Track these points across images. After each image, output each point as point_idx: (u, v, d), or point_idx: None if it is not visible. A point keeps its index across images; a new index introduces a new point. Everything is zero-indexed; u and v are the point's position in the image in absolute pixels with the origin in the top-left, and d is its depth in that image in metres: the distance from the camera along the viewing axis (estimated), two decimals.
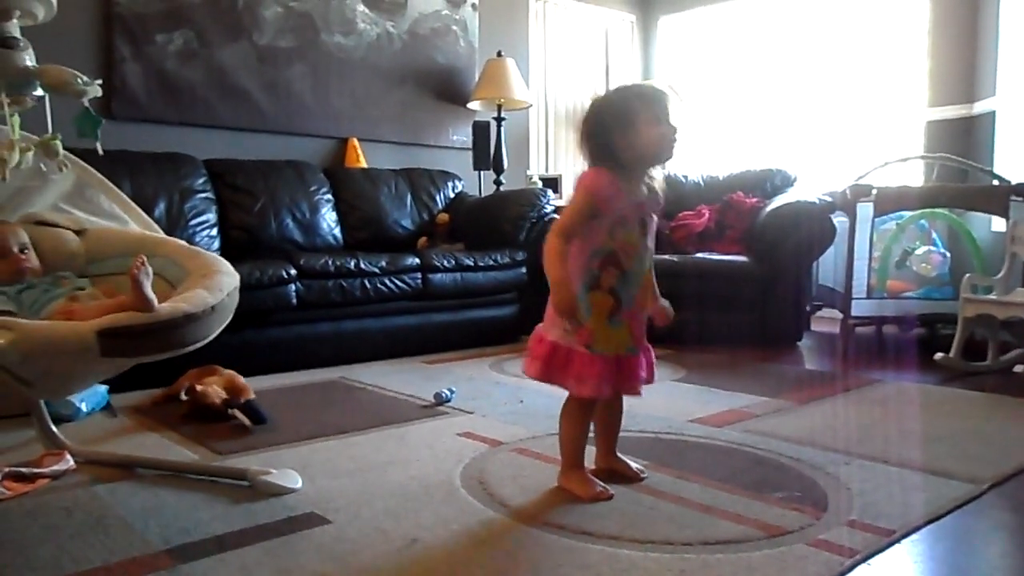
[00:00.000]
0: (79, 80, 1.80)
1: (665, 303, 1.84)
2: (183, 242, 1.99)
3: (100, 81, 1.86)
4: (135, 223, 2.13)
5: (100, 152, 1.92)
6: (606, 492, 1.76)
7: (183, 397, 2.55)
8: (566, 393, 1.81)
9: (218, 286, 1.72)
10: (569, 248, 1.71)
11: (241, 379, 2.61)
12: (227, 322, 1.74)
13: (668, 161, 1.77)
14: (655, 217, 1.82)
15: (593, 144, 1.74)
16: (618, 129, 1.70)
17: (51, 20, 1.92)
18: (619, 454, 1.95)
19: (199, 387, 2.48)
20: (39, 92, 1.82)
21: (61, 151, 1.91)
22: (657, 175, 1.80)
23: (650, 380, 1.86)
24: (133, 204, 2.17)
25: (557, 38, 5.60)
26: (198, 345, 1.63)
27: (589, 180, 1.72)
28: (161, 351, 1.59)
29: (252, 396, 2.48)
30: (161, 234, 2.10)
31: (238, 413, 2.36)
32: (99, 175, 2.15)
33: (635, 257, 1.75)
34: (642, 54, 6.09)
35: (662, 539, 1.52)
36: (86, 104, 1.85)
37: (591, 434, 1.89)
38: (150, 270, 1.57)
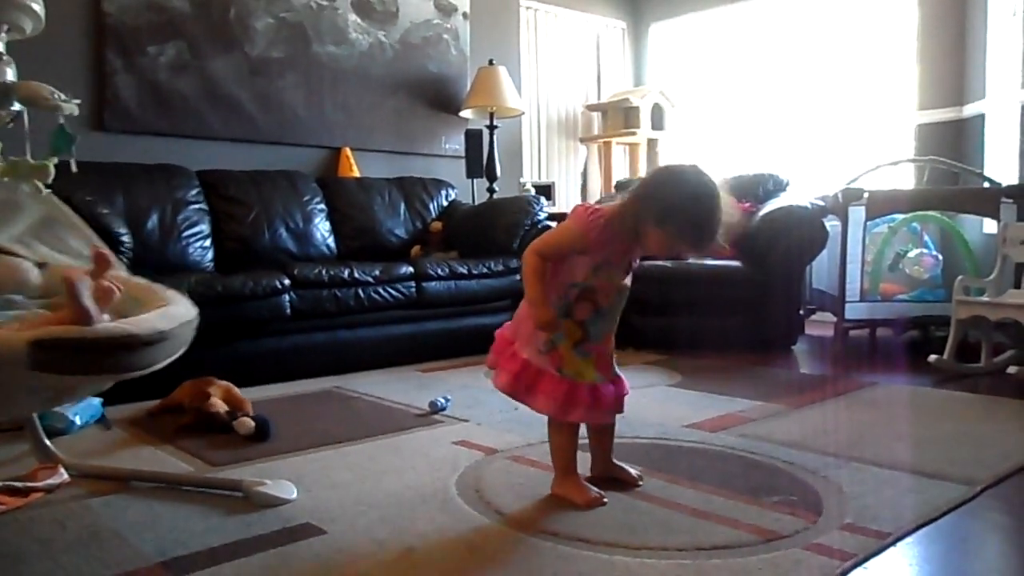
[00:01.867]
0: (55, 95, 1.79)
1: None
2: (145, 280, 1.91)
3: (79, 100, 1.85)
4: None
5: (74, 169, 1.90)
6: (601, 498, 1.76)
7: (185, 406, 2.54)
8: None
9: (172, 315, 1.65)
10: (547, 267, 1.74)
11: (237, 391, 2.62)
12: (176, 354, 1.65)
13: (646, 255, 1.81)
14: (638, 260, 1.85)
15: (630, 207, 1.70)
16: (652, 219, 1.67)
17: (43, 32, 1.92)
18: (615, 460, 1.95)
19: (209, 401, 2.47)
20: (16, 107, 1.81)
21: (52, 174, 1.88)
22: None
23: (619, 409, 1.86)
24: (102, 243, 2.06)
25: (548, 46, 5.63)
26: (138, 374, 1.52)
27: (588, 222, 1.71)
28: (98, 372, 1.46)
29: (250, 409, 2.50)
30: (124, 273, 2.02)
31: (247, 420, 2.36)
32: (70, 213, 2.03)
33: (613, 296, 1.79)
34: (633, 60, 6.12)
35: (657, 545, 1.52)
36: (61, 120, 1.84)
37: (583, 440, 1.89)
38: (89, 281, 1.49)
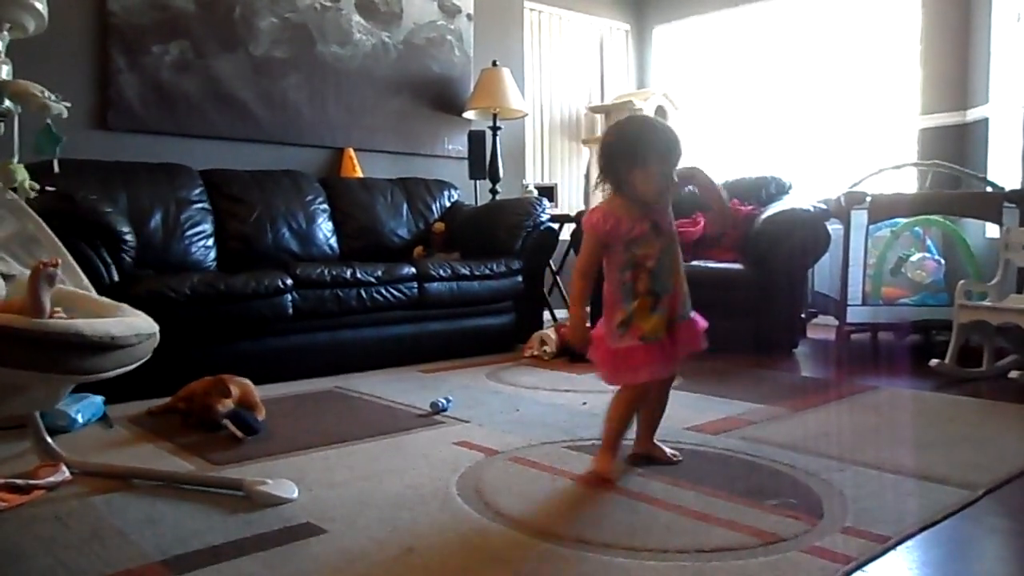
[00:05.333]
0: (44, 94, 1.79)
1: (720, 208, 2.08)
2: (111, 300, 1.89)
3: (68, 104, 1.84)
4: (69, 282, 1.98)
5: (56, 170, 1.90)
6: (612, 480, 1.91)
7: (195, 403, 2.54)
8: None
9: (129, 324, 1.62)
10: (588, 285, 1.98)
11: (255, 394, 2.61)
12: (129, 367, 1.62)
13: (655, 202, 1.95)
14: (667, 213, 2.00)
15: (604, 174, 1.96)
16: (624, 167, 1.91)
17: (47, 31, 1.93)
18: (656, 441, 2.12)
19: (222, 401, 2.47)
20: (7, 104, 1.81)
21: (21, 177, 1.87)
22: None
23: (699, 342, 2.04)
24: (75, 264, 2.02)
25: (552, 47, 5.63)
26: (86, 380, 1.48)
27: (589, 222, 1.96)
28: (40, 368, 1.42)
29: (261, 412, 2.52)
30: (93, 294, 1.98)
31: (228, 423, 2.36)
32: (49, 231, 1.99)
33: (656, 256, 1.94)
34: (636, 63, 6.12)
35: (657, 547, 1.52)
36: (48, 121, 1.84)
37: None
38: (59, 275, 1.45)
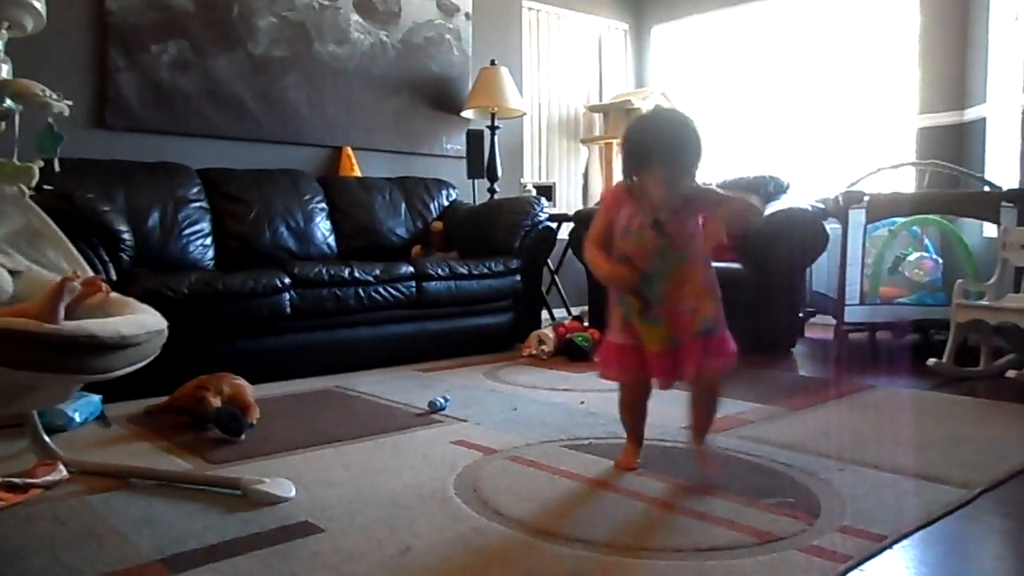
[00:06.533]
0: (45, 92, 1.79)
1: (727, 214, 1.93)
2: (121, 296, 1.90)
3: (70, 102, 1.84)
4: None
5: (57, 169, 1.90)
6: (630, 465, 1.99)
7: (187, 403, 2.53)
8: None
9: (138, 322, 1.64)
10: (602, 250, 1.92)
11: (248, 393, 2.60)
12: (139, 365, 1.64)
13: (665, 204, 1.85)
14: (684, 217, 1.87)
15: (623, 167, 1.94)
16: (632, 166, 1.88)
17: (46, 30, 1.93)
18: (705, 442, 2.03)
19: (207, 399, 2.46)
20: (8, 104, 1.81)
21: (36, 177, 1.88)
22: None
23: (715, 365, 1.95)
24: (80, 258, 2.03)
25: (550, 47, 5.63)
26: (98, 378, 1.51)
27: (605, 196, 2.03)
28: (53, 370, 1.44)
29: (253, 414, 2.50)
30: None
31: (212, 427, 2.35)
32: (53, 225, 2.00)
33: (652, 258, 1.85)
34: (635, 62, 6.12)
35: (655, 546, 1.52)
36: (50, 119, 1.85)
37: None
38: (77, 288, 1.50)
